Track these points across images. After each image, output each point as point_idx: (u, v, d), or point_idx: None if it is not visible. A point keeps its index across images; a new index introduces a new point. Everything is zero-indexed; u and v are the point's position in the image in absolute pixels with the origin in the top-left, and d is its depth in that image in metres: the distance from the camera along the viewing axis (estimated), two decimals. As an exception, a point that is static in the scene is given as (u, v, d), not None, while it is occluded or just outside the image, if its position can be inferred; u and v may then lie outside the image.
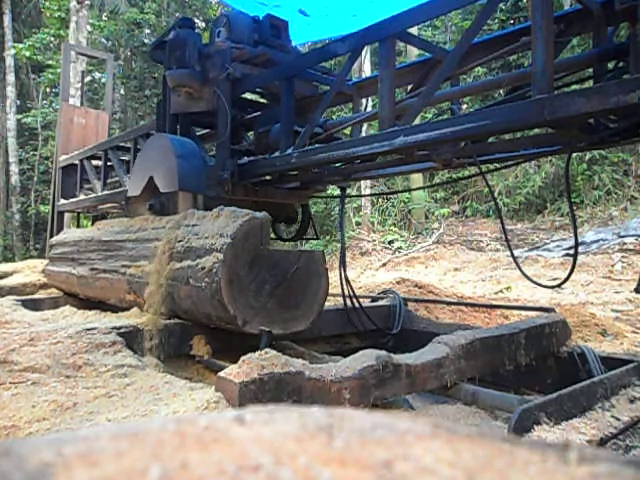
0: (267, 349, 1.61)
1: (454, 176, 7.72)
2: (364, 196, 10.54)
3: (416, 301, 3.64)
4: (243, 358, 1.52)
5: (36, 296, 4.00)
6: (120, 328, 2.30)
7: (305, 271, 2.34)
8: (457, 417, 2.00)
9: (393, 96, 2.27)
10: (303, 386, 1.53)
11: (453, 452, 0.25)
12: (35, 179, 14.45)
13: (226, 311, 2.08)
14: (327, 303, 2.55)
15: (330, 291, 2.53)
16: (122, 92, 16.56)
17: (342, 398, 1.60)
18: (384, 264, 9.33)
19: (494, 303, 4.26)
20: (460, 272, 7.91)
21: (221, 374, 1.49)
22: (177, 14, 16.32)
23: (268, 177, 3.10)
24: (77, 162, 5.68)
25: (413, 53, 10.42)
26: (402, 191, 10.39)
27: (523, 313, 3.65)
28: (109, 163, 4.69)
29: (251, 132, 3.48)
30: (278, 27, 3.27)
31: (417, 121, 2.33)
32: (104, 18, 15.37)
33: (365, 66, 10.87)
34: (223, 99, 2.98)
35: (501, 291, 6.01)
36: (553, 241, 8.46)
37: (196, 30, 3.25)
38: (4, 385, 1.68)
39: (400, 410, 1.95)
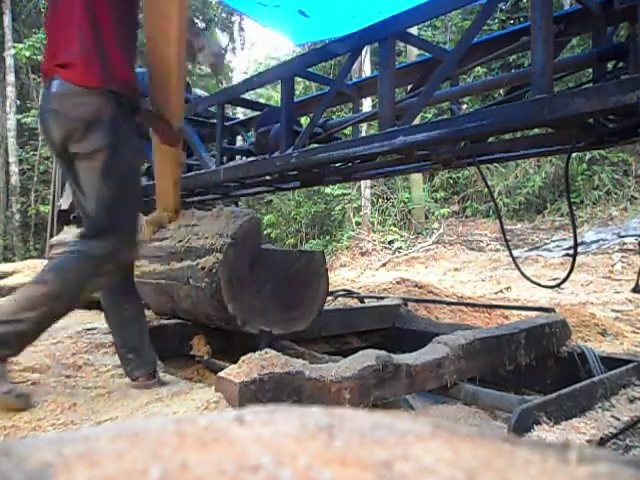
0: (267, 349, 1.61)
1: (453, 176, 7.72)
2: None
3: (416, 301, 3.64)
4: (243, 358, 1.52)
5: (36, 296, 3.98)
6: (120, 328, 2.30)
7: (305, 271, 2.34)
8: (457, 417, 2.00)
9: (393, 96, 2.27)
10: (303, 386, 1.53)
11: (453, 452, 0.25)
12: (35, 179, 14.43)
13: (226, 311, 2.08)
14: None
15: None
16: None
17: (342, 398, 1.60)
18: (384, 264, 9.33)
19: (494, 303, 4.26)
20: (460, 272, 7.91)
21: (221, 374, 1.49)
22: (177, 14, 16.29)
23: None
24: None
25: (413, 53, 10.40)
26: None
27: (523, 313, 3.65)
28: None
29: (250, 132, 3.55)
30: None
31: (417, 121, 2.33)
32: (104, 18, 15.33)
33: (365, 66, 10.86)
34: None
35: (501, 291, 6.01)
36: (553, 241, 8.46)
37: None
38: (4, 385, 1.67)
39: (400, 410, 1.95)
